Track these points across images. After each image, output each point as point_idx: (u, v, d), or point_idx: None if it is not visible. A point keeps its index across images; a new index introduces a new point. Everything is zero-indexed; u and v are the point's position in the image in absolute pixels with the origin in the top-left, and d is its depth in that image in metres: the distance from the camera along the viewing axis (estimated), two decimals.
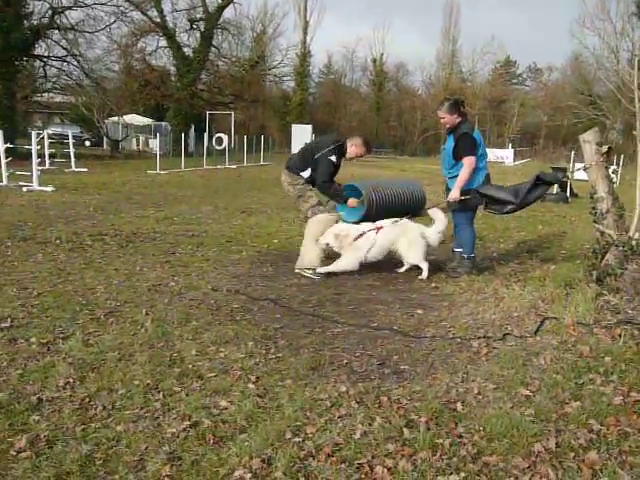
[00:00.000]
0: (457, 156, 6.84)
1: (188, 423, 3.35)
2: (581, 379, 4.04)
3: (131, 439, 3.19)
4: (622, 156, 26.78)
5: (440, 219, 7.05)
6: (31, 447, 3.08)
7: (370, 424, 3.40)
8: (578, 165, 22.59)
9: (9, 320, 4.94)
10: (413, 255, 6.97)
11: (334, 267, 6.88)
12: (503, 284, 6.52)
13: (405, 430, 3.31)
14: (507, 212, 6.88)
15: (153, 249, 8.03)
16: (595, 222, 6.08)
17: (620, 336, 4.76)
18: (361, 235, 6.82)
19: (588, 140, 6.11)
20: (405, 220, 7.09)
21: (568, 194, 16.94)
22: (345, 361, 4.37)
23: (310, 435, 3.27)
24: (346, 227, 6.93)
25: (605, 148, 6.03)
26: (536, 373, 4.15)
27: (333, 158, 7.05)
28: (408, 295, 6.30)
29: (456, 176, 6.86)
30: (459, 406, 3.65)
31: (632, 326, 4.94)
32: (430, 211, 7.21)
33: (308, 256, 6.99)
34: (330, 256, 7.09)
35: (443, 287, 6.57)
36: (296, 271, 6.97)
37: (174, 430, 3.28)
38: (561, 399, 3.74)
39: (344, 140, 7.26)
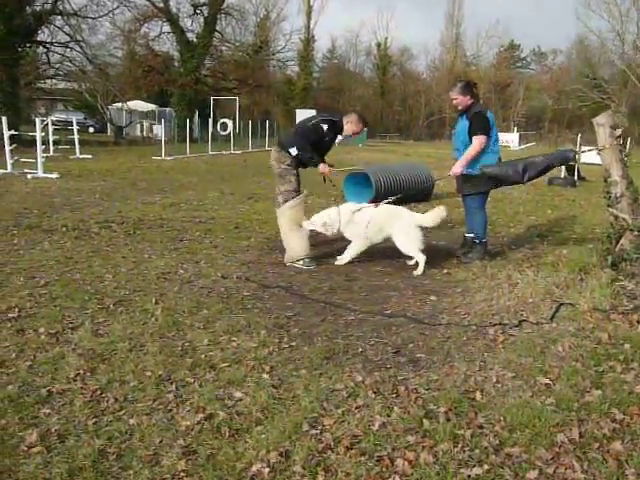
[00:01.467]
0: (471, 135, 6.73)
1: (202, 415, 3.28)
2: (601, 367, 3.95)
3: (144, 432, 3.12)
4: (629, 139, 26.56)
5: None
6: (42, 442, 3.02)
7: (388, 415, 3.33)
8: (585, 149, 22.45)
9: (17, 310, 4.87)
10: (405, 246, 6.64)
11: (348, 255, 6.77)
12: (516, 269, 6.43)
13: (425, 421, 3.24)
14: (510, 185, 6.96)
15: (160, 236, 7.95)
16: (609, 206, 5.97)
17: (638, 322, 4.68)
18: (359, 209, 6.72)
19: (602, 123, 5.98)
20: (399, 207, 6.92)
21: (576, 178, 16.78)
22: (360, 350, 4.29)
23: (328, 427, 3.20)
24: (334, 213, 6.72)
25: (619, 131, 5.91)
26: (555, 361, 4.07)
27: (324, 126, 6.83)
28: (420, 281, 6.21)
29: None
30: (478, 395, 3.57)
31: None
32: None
33: (295, 247, 6.80)
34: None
35: (455, 273, 6.47)
36: (287, 264, 6.75)
37: (188, 423, 3.21)
38: (582, 388, 3.66)
39: (340, 118, 7.04)
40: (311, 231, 6.79)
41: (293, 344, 4.34)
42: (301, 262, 6.70)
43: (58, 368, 3.85)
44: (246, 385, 3.67)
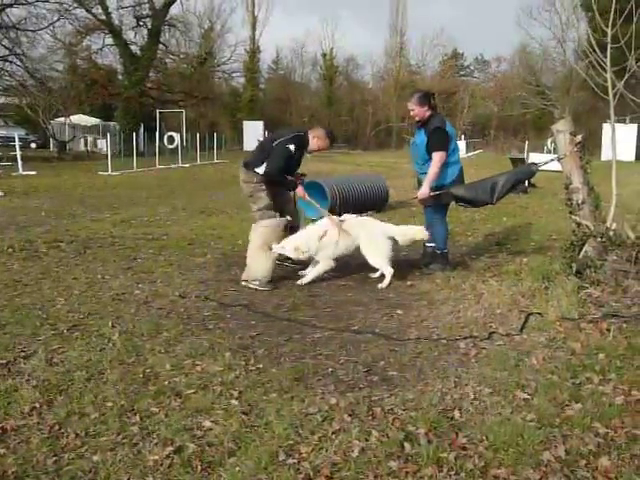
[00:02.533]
0: (430, 151, 6.64)
1: (171, 449, 3.08)
2: (578, 379, 3.88)
3: (110, 470, 2.90)
4: None
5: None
6: None
7: (367, 439, 3.18)
8: (532, 155, 22.74)
9: None
10: (373, 257, 6.51)
11: (313, 275, 6.50)
12: (479, 279, 6.38)
13: (406, 444, 3.10)
14: (479, 206, 6.85)
15: (113, 255, 7.66)
16: (571, 213, 5.96)
17: (608, 330, 4.64)
18: (324, 234, 6.49)
19: (561, 130, 5.99)
20: (367, 218, 6.88)
21: (527, 184, 16.91)
22: (330, 369, 4.14)
23: (305, 455, 3.03)
24: (305, 237, 6.47)
25: (579, 137, 5.91)
26: (530, 374, 3.98)
27: (291, 147, 6.53)
28: (385, 295, 6.09)
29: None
30: (457, 414, 3.46)
31: (619, 319, 4.84)
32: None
33: (257, 267, 6.40)
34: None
35: (419, 285, 6.38)
36: (242, 283, 6.40)
37: (156, 457, 3.01)
38: (561, 401, 3.58)
39: (305, 132, 6.85)
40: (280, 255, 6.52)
41: (260, 366, 4.16)
42: (257, 282, 6.32)
43: (11, 402, 3.60)
44: (215, 413, 3.47)
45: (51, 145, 39.10)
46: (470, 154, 42.90)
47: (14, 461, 2.97)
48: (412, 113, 6.74)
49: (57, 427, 3.31)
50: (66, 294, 5.86)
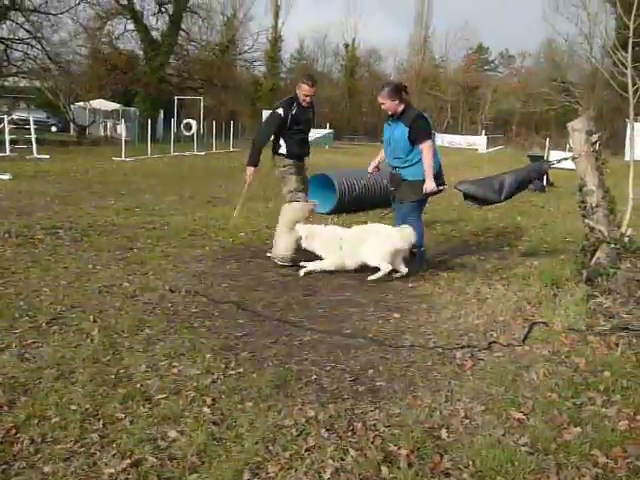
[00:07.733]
0: (415, 142, 6.39)
1: (129, 462, 2.83)
2: (579, 398, 3.59)
3: None
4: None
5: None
6: None
7: (342, 459, 2.92)
8: (553, 153, 22.24)
9: None
10: (372, 255, 6.23)
11: (313, 267, 6.46)
12: (485, 283, 6.09)
13: (383, 468, 2.84)
14: (486, 205, 6.53)
15: (109, 244, 7.42)
16: (584, 217, 5.63)
17: (617, 345, 4.34)
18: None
19: (577, 128, 5.65)
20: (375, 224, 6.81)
21: (544, 183, 16.52)
22: (314, 376, 3.88)
23: (272, 475, 2.78)
24: (318, 230, 6.53)
25: (596, 137, 5.58)
26: (528, 391, 3.69)
27: (280, 111, 6.87)
28: (383, 296, 5.79)
29: (413, 164, 6.44)
30: (444, 433, 3.18)
31: (629, 333, 4.53)
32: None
33: (280, 245, 6.77)
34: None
35: (421, 286, 6.08)
36: (271, 258, 6.89)
37: (112, 471, 2.77)
38: (558, 423, 3.29)
39: (295, 94, 7.02)
40: None
41: (240, 370, 3.91)
42: (278, 259, 6.77)
43: None
44: (183, 422, 3.23)
45: (71, 129, 39.09)
46: (490, 150, 42.45)
47: None
48: (383, 107, 6.54)
49: (13, 431, 3.08)
50: (53, 284, 5.63)
